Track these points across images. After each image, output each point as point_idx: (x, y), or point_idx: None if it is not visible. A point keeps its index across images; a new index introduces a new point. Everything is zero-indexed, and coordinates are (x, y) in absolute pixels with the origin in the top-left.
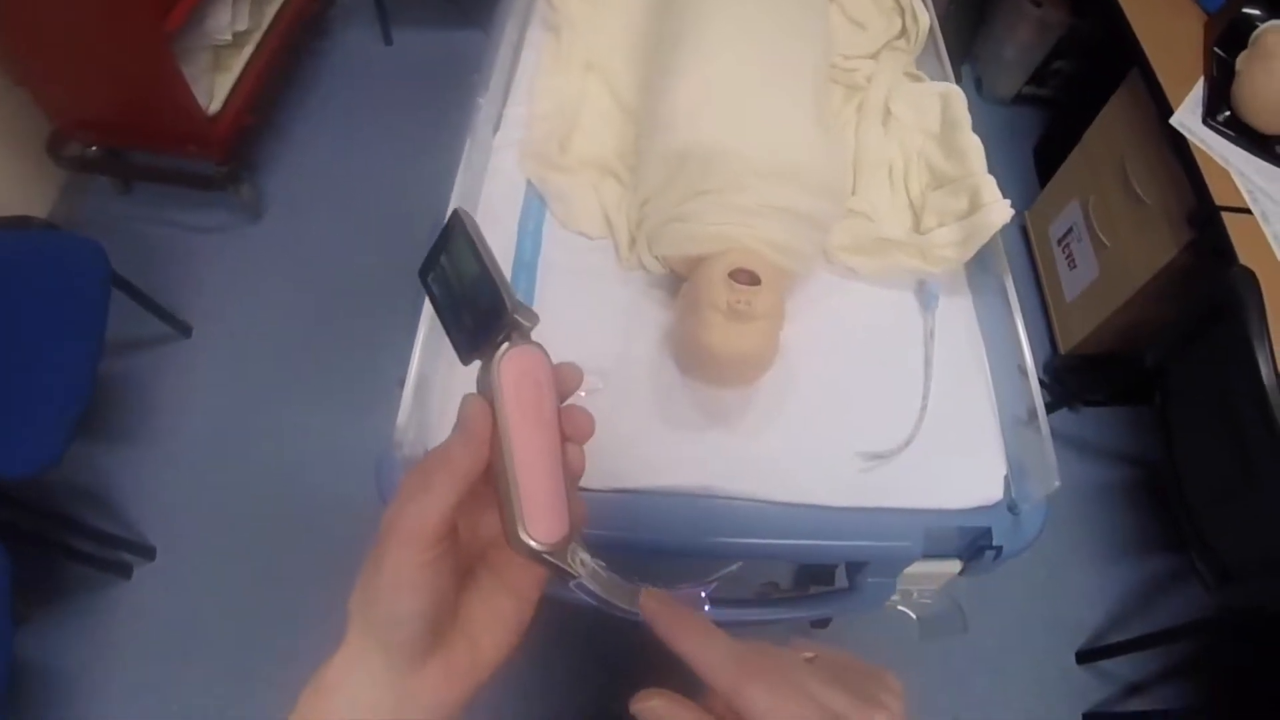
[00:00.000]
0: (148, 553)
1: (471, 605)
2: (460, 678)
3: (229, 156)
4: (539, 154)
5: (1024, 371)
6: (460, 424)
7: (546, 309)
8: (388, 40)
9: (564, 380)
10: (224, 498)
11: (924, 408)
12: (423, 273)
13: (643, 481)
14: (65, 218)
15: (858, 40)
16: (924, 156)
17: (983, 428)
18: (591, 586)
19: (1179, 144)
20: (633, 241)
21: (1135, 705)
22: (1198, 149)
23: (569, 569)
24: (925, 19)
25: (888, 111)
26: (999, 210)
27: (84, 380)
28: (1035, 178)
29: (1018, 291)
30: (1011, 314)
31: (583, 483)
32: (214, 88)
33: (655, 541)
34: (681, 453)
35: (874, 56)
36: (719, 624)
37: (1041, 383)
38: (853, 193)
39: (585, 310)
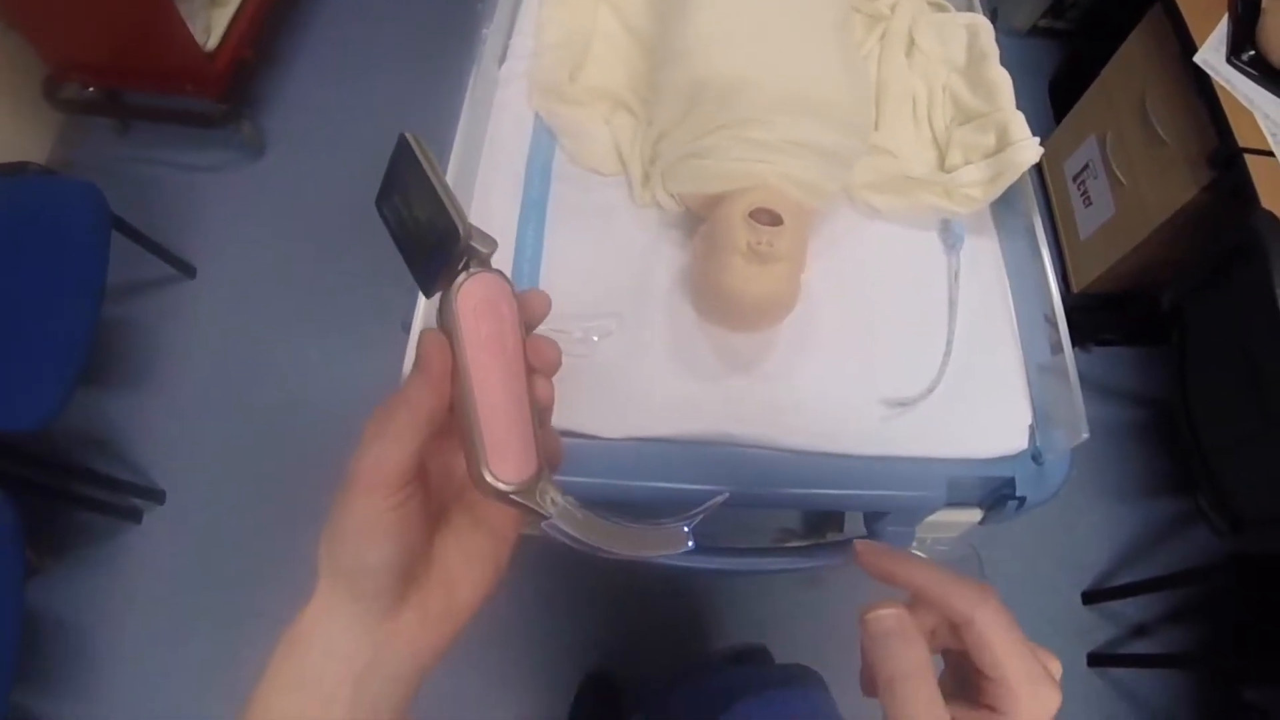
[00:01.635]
0: (157, 496)
1: (446, 547)
2: (438, 622)
3: (228, 94)
4: (547, 86)
5: (1052, 320)
6: (418, 362)
7: (556, 251)
8: None
9: (530, 309)
10: (232, 437)
11: (948, 353)
12: (378, 203)
13: (658, 429)
14: (64, 161)
15: None
16: (949, 90)
17: (1008, 374)
18: (565, 527)
19: (1202, 82)
20: (647, 178)
21: (1140, 647)
22: (1221, 88)
23: (539, 508)
24: None
25: (911, 42)
26: (1029, 148)
27: (84, 330)
28: (1050, 112)
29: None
30: (1040, 257)
31: (596, 431)
32: (211, 24)
33: (670, 491)
34: (698, 399)
35: None
36: (734, 573)
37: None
38: (875, 128)
39: (598, 251)
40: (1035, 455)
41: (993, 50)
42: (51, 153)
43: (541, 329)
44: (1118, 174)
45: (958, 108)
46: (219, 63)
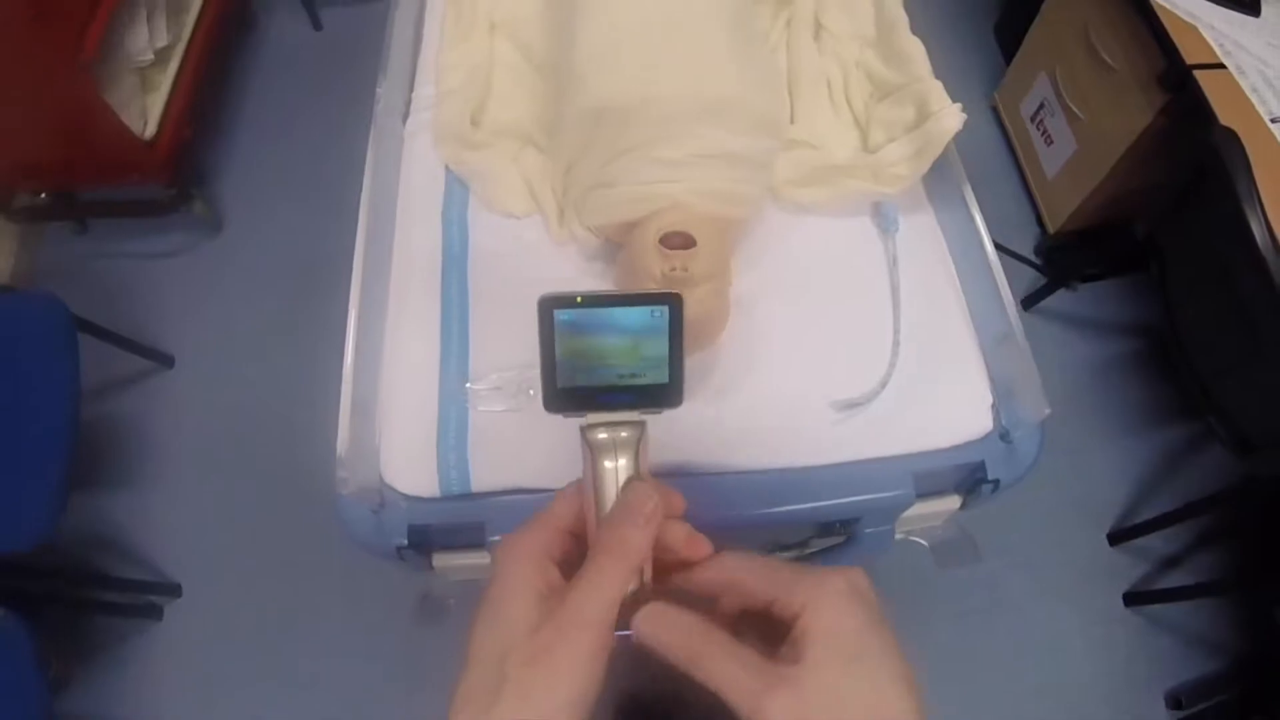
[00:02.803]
0: (174, 590)
1: None
2: None
3: (175, 177)
4: (450, 134)
5: (999, 291)
6: (633, 508)
7: (483, 300)
8: (316, 25)
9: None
10: (236, 516)
11: (896, 343)
12: (553, 304)
13: None
14: (27, 270)
15: None
16: (863, 66)
17: (963, 355)
18: None
19: (1141, 4)
20: (562, 213)
21: (1174, 578)
22: (1160, 7)
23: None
24: None
25: (819, 24)
26: (950, 116)
27: (65, 444)
28: (1001, 57)
29: (999, 176)
30: (976, 228)
31: (545, 484)
32: (146, 110)
33: None
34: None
35: None
36: None
37: (1035, 265)
38: (792, 121)
39: (523, 295)
40: (1003, 434)
41: (901, 18)
42: (15, 263)
43: (478, 385)
44: (1073, 108)
45: (874, 83)
46: (160, 148)
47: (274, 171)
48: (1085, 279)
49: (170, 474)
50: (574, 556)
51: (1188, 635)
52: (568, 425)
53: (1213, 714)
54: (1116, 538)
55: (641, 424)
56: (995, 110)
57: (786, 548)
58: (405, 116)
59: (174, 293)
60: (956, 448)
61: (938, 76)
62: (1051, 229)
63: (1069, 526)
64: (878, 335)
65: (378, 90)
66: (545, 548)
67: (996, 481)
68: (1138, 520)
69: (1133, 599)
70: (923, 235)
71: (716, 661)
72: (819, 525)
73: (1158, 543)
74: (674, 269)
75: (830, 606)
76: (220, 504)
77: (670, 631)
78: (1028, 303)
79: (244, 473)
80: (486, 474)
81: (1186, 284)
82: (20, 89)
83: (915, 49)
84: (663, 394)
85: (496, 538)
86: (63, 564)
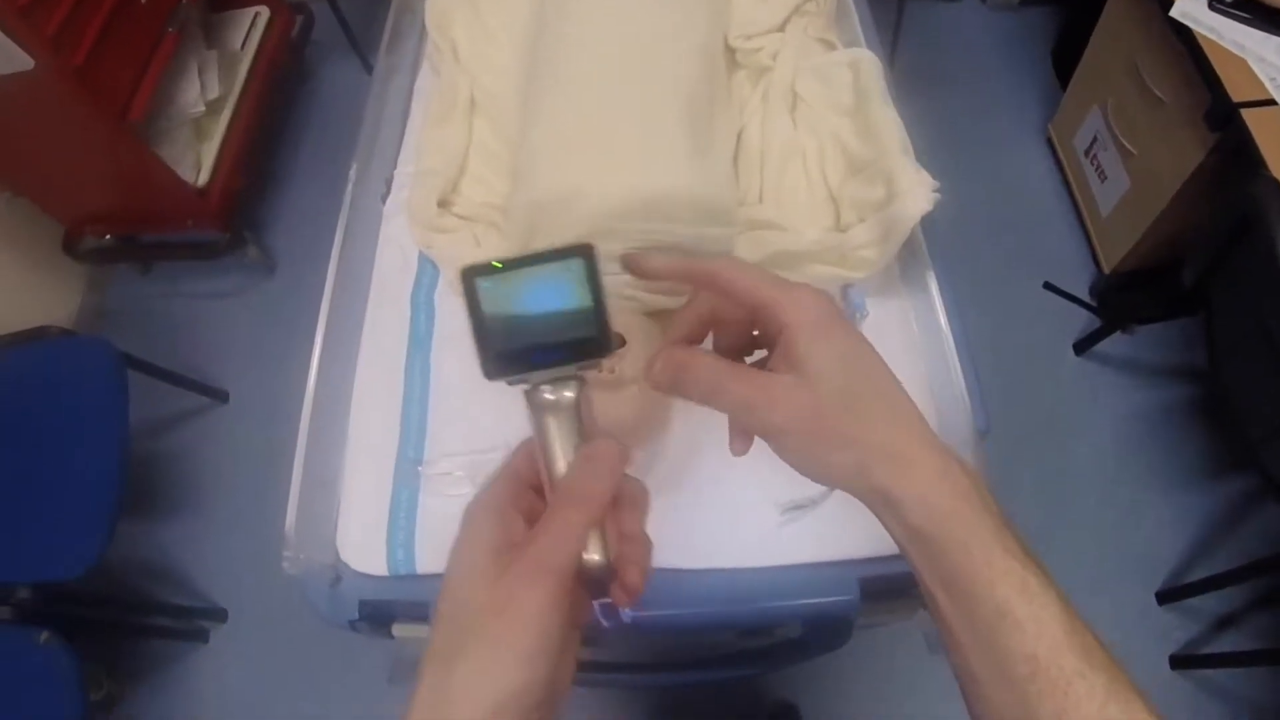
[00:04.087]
0: (219, 615)
1: None
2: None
3: (227, 223)
4: (419, 216)
5: (959, 395)
6: (593, 456)
7: (441, 385)
8: (368, 69)
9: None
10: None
11: None
12: (469, 274)
13: None
14: (96, 308)
15: (759, 13)
16: (838, 139)
17: None
18: None
19: (1186, 36)
20: None
21: (1226, 641)
22: (1205, 40)
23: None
24: None
25: (795, 95)
26: (916, 200)
27: (113, 478)
28: (1059, 85)
29: (1055, 212)
30: (937, 318)
31: None
32: (200, 159)
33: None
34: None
35: (780, 29)
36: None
37: (1090, 307)
38: (760, 199)
39: (482, 383)
40: None
41: (876, 88)
42: (82, 302)
43: (430, 469)
44: (1125, 143)
45: (847, 158)
46: (213, 196)
47: (327, 217)
48: (1141, 321)
49: (220, 505)
50: (539, 511)
51: (1238, 701)
52: None
53: None
54: (1166, 596)
55: (579, 379)
56: (1050, 142)
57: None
58: (386, 195)
59: (230, 332)
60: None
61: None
62: (1107, 268)
63: (1117, 583)
64: None
65: (350, 171)
66: (508, 500)
67: None
68: (1190, 578)
69: (1180, 662)
70: (892, 323)
71: (728, 387)
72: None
73: (1210, 602)
74: (610, 370)
75: (806, 307)
76: (267, 534)
77: (687, 369)
78: (1081, 346)
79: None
80: (433, 556)
81: (1232, 339)
82: (75, 148)
83: (886, 121)
84: (593, 346)
85: None
86: (115, 589)
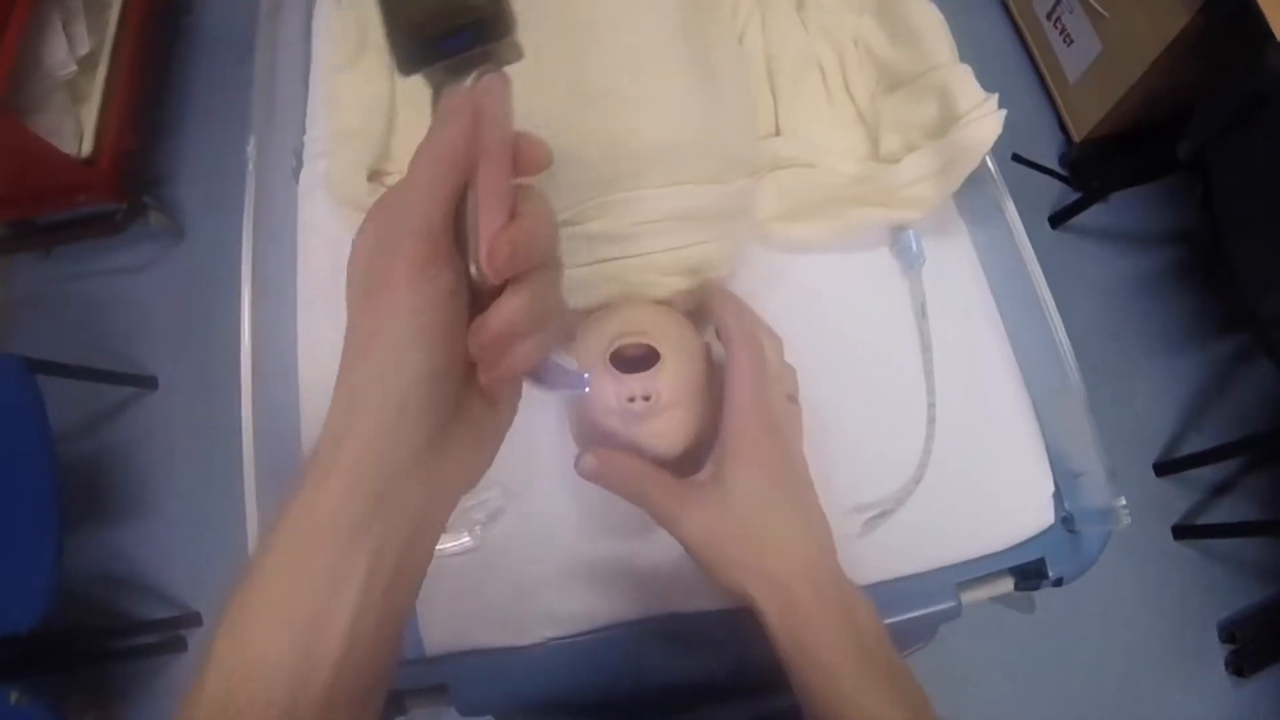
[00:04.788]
0: (194, 619)
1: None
2: (486, 441)
3: (123, 191)
4: (344, 194)
5: (1058, 347)
6: (443, 112)
7: None
8: None
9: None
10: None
11: (931, 420)
12: None
13: (584, 621)
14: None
15: None
16: (863, 44)
17: (1014, 428)
18: None
19: None
20: None
21: (1224, 507)
22: None
23: None
24: None
25: None
26: (985, 124)
27: (48, 511)
28: None
29: (1014, 81)
30: (1020, 257)
31: (510, 640)
32: (81, 125)
33: (618, 688)
34: (625, 571)
35: None
36: None
37: (1062, 177)
38: (775, 129)
39: None
40: (1067, 520)
41: None
42: None
43: None
44: (1095, 5)
45: (879, 67)
46: (101, 165)
47: (233, 165)
48: (1117, 188)
49: (171, 501)
50: None
51: (1240, 565)
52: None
53: (1267, 645)
54: (1164, 468)
55: (487, 65)
56: (1005, 6)
57: None
58: (298, 171)
59: (147, 309)
60: (1009, 550)
61: None
62: (1077, 137)
63: (1114, 458)
64: (905, 411)
65: (248, 146)
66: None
67: (1060, 579)
68: (1186, 447)
69: (1182, 532)
70: (957, 266)
71: (649, 494)
72: None
73: (1207, 471)
74: (634, 398)
75: (750, 420)
76: (226, 525)
77: (612, 469)
78: (1057, 220)
79: (242, 487)
80: (440, 634)
81: (1235, 203)
82: None
83: (928, 19)
84: (495, 23)
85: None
86: (81, 610)
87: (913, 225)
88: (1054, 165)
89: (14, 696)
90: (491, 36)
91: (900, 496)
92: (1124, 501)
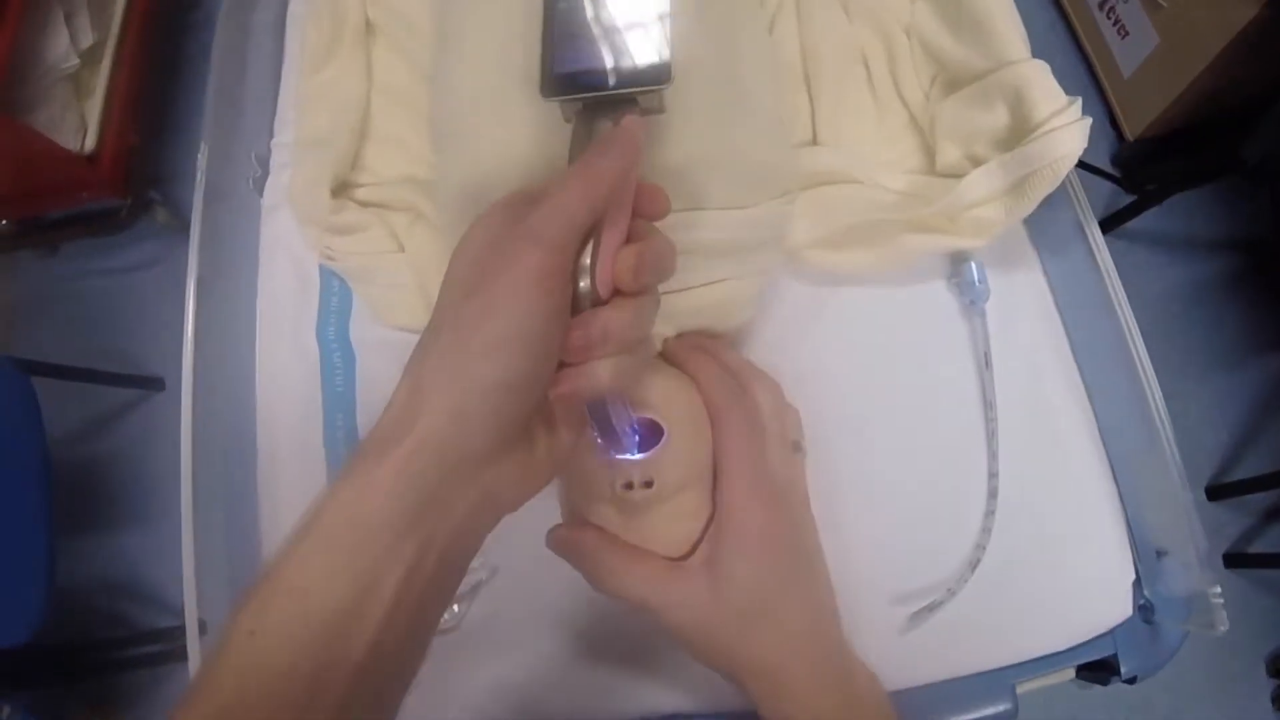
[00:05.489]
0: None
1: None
2: (541, 466)
3: (127, 188)
4: (306, 211)
5: (1150, 405)
6: (615, 138)
7: None
8: None
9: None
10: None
11: (992, 493)
12: None
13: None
14: (6, 300)
15: None
16: (918, 35)
17: (1093, 507)
18: None
19: None
20: None
21: (1276, 533)
22: None
23: None
24: None
25: None
26: (1068, 136)
27: (40, 520)
28: None
29: (1063, 73)
30: (1112, 299)
31: None
32: (85, 120)
33: None
34: (632, 671)
35: None
36: None
37: (1113, 178)
38: (812, 137)
39: None
40: (1145, 608)
41: None
42: None
43: None
44: None
45: (937, 63)
46: (104, 161)
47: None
48: (1173, 191)
49: (178, 504)
50: None
51: None
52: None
53: None
54: (1216, 492)
55: (634, 107)
56: None
57: None
58: (262, 181)
59: (154, 308)
60: (1078, 647)
61: None
62: (1130, 135)
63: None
64: (962, 481)
65: (199, 154)
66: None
67: (1133, 678)
68: (1241, 470)
69: (1234, 560)
70: (1027, 305)
71: (625, 580)
72: None
73: (1262, 495)
74: (631, 485)
75: (735, 495)
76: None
77: (583, 553)
78: (1108, 225)
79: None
80: None
81: None
82: None
83: (997, 5)
84: (653, 71)
85: None
86: (83, 618)
87: (976, 255)
88: (1104, 165)
89: (5, 712)
90: (655, 81)
91: (953, 586)
92: (1219, 591)
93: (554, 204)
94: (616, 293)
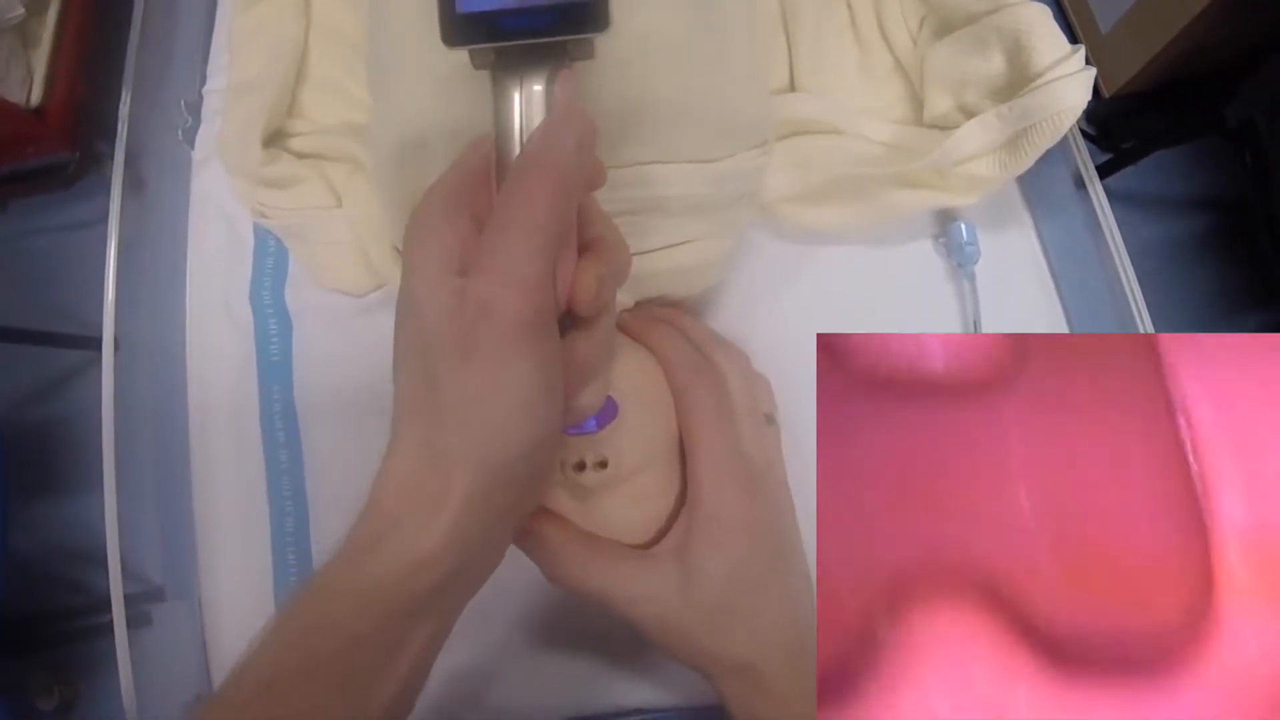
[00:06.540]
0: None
1: None
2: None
3: (76, 141)
4: (236, 163)
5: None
6: (550, 122)
7: (320, 436)
8: None
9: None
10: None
11: None
12: None
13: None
14: None
15: None
16: None
17: None
18: None
19: None
20: None
21: None
22: None
23: None
24: None
25: None
26: (1072, 85)
27: None
28: None
29: None
30: (1119, 266)
31: None
32: (31, 70)
33: None
34: (596, 663)
35: None
36: None
37: (1090, 136)
38: (789, 83)
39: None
40: None
41: None
42: None
43: None
44: None
45: (926, 3)
46: (52, 114)
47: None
48: (1152, 149)
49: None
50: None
51: None
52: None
53: None
54: None
55: (561, 54)
56: None
57: None
58: (194, 130)
59: (103, 265)
60: None
61: None
62: (1107, 92)
63: None
64: None
65: (121, 103)
66: (458, 197)
67: None
68: None
69: None
70: (1019, 268)
71: (587, 570)
72: None
73: None
74: (583, 465)
75: (727, 492)
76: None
77: (529, 543)
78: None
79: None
80: None
81: None
82: None
83: None
84: (586, 13)
85: None
86: (43, 585)
87: (965, 213)
88: (1080, 122)
89: None
90: (590, 26)
91: None
92: None
93: (519, 229)
94: (569, 312)
